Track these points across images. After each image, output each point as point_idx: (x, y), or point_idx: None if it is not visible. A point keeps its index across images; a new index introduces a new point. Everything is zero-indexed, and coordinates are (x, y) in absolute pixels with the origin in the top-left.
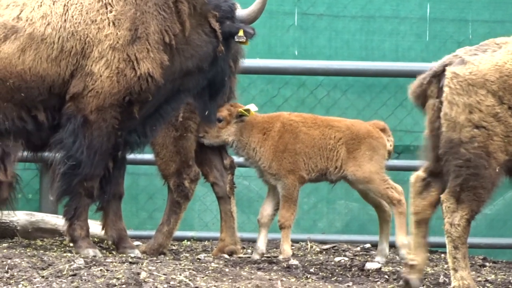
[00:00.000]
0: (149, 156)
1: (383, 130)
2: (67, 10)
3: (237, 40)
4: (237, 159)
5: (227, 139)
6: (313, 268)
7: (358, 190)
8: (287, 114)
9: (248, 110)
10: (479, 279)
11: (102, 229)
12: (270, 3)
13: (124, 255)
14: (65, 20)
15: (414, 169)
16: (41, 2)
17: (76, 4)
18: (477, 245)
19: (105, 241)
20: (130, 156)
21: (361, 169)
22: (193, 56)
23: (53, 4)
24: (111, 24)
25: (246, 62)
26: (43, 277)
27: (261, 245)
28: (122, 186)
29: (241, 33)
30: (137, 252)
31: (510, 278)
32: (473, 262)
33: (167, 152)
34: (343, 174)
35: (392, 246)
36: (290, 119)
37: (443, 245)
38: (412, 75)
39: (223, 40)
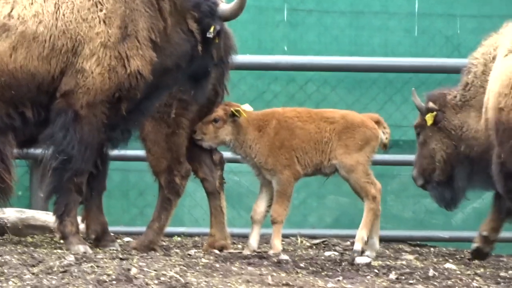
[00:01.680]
0: (140, 152)
1: (377, 122)
2: (59, 8)
3: (208, 35)
4: (226, 154)
5: (225, 139)
6: (303, 263)
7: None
8: (281, 109)
9: (239, 111)
10: (468, 272)
11: (82, 222)
12: None
13: (107, 249)
14: (56, 19)
15: (402, 163)
16: (32, 0)
17: (67, 2)
18: (466, 238)
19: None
20: (121, 152)
21: (349, 156)
22: (172, 54)
23: (45, 2)
24: (102, 22)
25: (236, 58)
26: (33, 274)
27: (253, 242)
28: (105, 180)
29: (212, 29)
30: (117, 245)
31: (499, 271)
32: (462, 256)
33: (159, 148)
34: (334, 163)
35: (382, 240)
36: (285, 115)
37: (432, 239)
38: (401, 70)
39: (203, 37)
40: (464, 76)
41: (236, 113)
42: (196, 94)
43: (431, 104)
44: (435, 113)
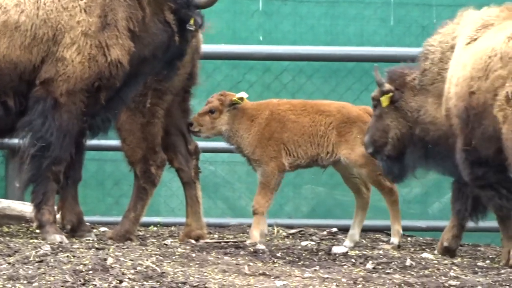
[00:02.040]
0: (115, 142)
1: (371, 115)
2: None
3: (188, 28)
4: (201, 144)
5: (222, 129)
6: (279, 253)
7: (345, 175)
8: (276, 101)
9: (241, 98)
10: (446, 262)
11: (58, 212)
12: None
13: (83, 239)
14: (37, 8)
15: None
16: None
17: None
18: (443, 228)
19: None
20: (97, 142)
21: (353, 152)
22: (149, 44)
23: None
24: (82, 11)
25: (211, 48)
26: (9, 263)
27: (262, 229)
28: (81, 170)
29: (192, 21)
30: (93, 235)
31: (477, 261)
32: None
33: (134, 138)
34: (336, 158)
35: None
36: (278, 107)
37: (409, 229)
38: (377, 59)
39: (180, 26)
40: (422, 62)
41: (239, 101)
42: (168, 74)
43: (387, 87)
44: (391, 94)
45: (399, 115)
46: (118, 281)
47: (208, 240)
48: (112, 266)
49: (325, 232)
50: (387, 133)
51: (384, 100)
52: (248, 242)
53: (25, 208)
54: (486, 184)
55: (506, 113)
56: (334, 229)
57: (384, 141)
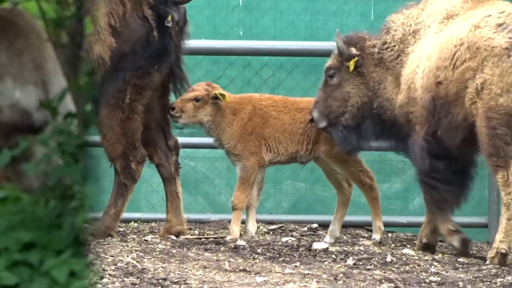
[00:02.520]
0: (95, 138)
1: None
2: None
3: (166, 24)
4: (182, 140)
5: (203, 119)
6: (260, 249)
7: (327, 170)
8: (258, 96)
9: (223, 95)
10: (426, 258)
11: None
12: None
13: None
14: None
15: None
16: None
17: None
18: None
19: None
20: None
21: (333, 148)
22: (129, 39)
23: None
24: None
25: (191, 43)
26: None
27: (250, 227)
28: None
29: (169, 18)
30: None
31: (457, 257)
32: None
33: (114, 134)
34: (315, 155)
35: (342, 226)
36: (261, 102)
37: (390, 224)
38: None
39: (159, 22)
40: (383, 35)
41: (220, 97)
42: (160, 67)
43: (354, 51)
44: (356, 58)
45: (362, 81)
46: (98, 278)
47: (188, 236)
48: (93, 262)
49: (305, 228)
50: (346, 101)
51: (352, 64)
52: (228, 238)
53: None
54: (443, 179)
55: (477, 106)
56: (315, 225)
57: (342, 111)
